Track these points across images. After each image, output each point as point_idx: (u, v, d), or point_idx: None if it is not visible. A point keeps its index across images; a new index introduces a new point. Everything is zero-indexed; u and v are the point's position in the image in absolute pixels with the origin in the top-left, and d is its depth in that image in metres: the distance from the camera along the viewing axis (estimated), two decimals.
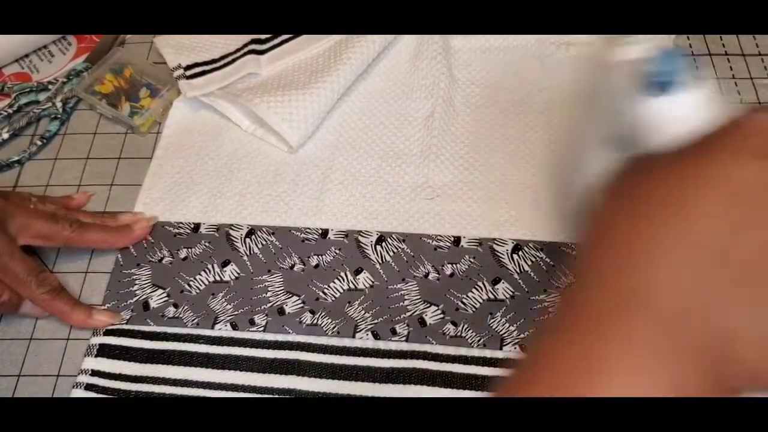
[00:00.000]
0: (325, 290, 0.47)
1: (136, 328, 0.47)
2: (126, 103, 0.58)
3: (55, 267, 0.51)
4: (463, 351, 0.44)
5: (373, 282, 0.48)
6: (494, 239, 0.49)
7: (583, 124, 0.30)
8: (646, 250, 0.21)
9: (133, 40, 0.63)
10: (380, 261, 0.48)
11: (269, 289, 0.48)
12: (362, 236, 0.49)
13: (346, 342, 0.45)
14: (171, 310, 0.47)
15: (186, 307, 0.47)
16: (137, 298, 0.48)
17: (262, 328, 0.46)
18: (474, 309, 0.46)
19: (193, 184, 0.54)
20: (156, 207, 0.53)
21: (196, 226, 0.51)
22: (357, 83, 0.58)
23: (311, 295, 0.47)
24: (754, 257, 0.20)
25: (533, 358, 0.22)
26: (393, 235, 0.49)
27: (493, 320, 0.45)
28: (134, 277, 0.49)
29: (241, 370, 0.45)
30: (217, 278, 0.49)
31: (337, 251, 0.49)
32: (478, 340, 0.45)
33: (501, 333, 0.45)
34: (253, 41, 0.58)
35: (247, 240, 0.50)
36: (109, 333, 0.47)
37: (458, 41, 0.60)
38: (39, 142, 0.57)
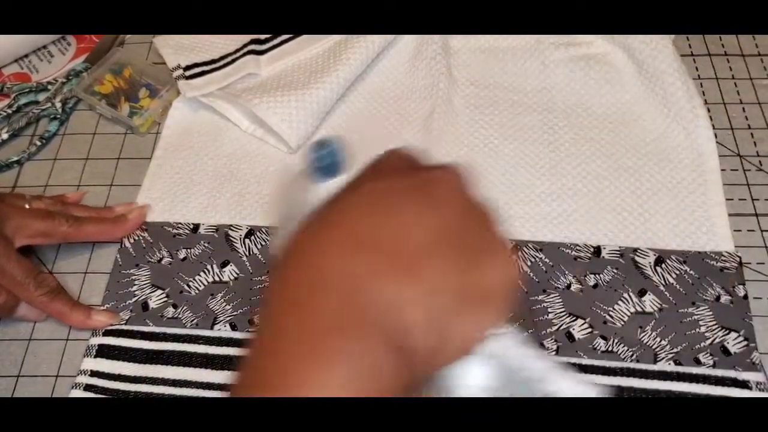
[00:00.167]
0: None
1: (136, 328, 0.47)
2: (125, 103, 0.58)
3: (54, 267, 0.50)
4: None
5: None
6: None
7: (286, 205, 0.37)
8: (315, 250, 0.26)
9: (133, 41, 0.63)
10: None
11: None
12: None
13: None
14: (170, 311, 0.47)
15: (185, 308, 0.47)
16: (136, 298, 0.48)
17: None
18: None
19: (192, 185, 0.54)
20: (155, 207, 0.53)
21: (196, 227, 0.51)
22: (356, 84, 0.58)
23: None
24: (396, 243, 0.25)
25: (249, 366, 0.25)
26: None
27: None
28: (133, 277, 0.49)
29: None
30: (217, 278, 0.49)
31: None
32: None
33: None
34: (252, 41, 0.58)
35: (247, 240, 0.50)
36: (108, 333, 0.47)
37: (457, 41, 0.60)
38: (38, 143, 0.57)
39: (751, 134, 0.53)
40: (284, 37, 0.59)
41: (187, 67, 0.57)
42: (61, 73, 0.62)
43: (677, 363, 0.43)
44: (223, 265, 0.49)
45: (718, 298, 0.45)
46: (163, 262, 0.50)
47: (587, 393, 0.28)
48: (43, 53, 0.64)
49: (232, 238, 0.50)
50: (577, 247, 0.48)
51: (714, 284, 0.46)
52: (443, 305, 0.25)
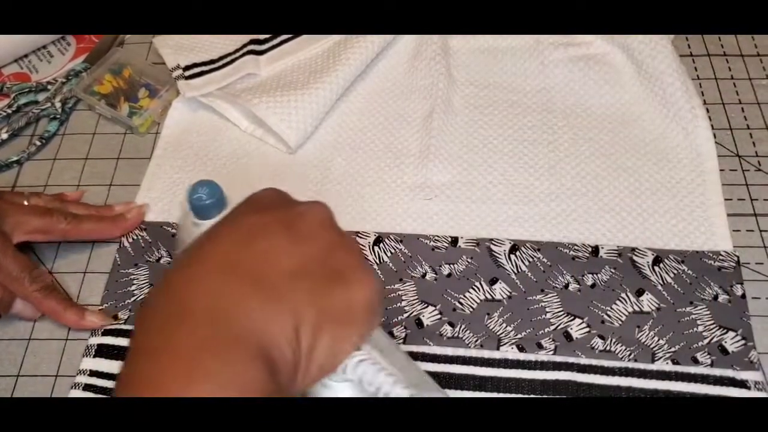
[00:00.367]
0: None
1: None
2: (125, 103, 0.58)
3: (53, 267, 0.51)
4: (460, 351, 0.44)
5: None
6: (492, 239, 0.49)
7: (181, 240, 0.41)
8: (181, 278, 0.28)
9: (132, 41, 0.64)
10: (378, 261, 0.48)
11: None
12: (360, 237, 0.49)
13: None
14: None
15: None
16: (135, 298, 0.48)
17: None
18: (471, 309, 0.46)
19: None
20: (155, 207, 0.53)
21: None
22: (356, 84, 0.58)
23: None
24: (261, 269, 0.28)
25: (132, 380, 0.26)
26: (391, 236, 0.49)
27: (490, 320, 0.45)
28: (132, 277, 0.49)
29: None
30: None
31: None
32: (475, 341, 0.45)
33: (498, 333, 0.45)
34: (252, 42, 0.58)
35: None
36: (107, 333, 0.47)
37: (457, 42, 0.60)
38: (38, 143, 0.57)
39: (750, 134, 0.53)
40: (284, 37, 0.59)
41: (187, 67, 0.57)
42: (61, 73, 0.62)
43: (675, 362, 0.43)
44: None
45: (716, 298, 0.45)
46: (161, 261, 0.50)
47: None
48: (42, 53, 0.64)
49: None
50: (575, 247, 0.48)
51: (712, 283, 0.46)
52: (306, 325, 0.27)
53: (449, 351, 0.44)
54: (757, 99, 0.55)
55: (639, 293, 0.46)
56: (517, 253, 0.48)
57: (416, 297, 0.47)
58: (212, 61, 0.57)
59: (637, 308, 0.45)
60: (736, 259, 0.47)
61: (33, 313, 0.47)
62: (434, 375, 0.43)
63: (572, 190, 0.51)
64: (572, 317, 0.45)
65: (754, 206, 0.50)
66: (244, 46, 0.58)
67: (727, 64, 0.57)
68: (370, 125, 0.56)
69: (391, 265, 0.48)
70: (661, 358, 0.43)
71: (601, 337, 0.44)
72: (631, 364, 0.43)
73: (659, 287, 0.46)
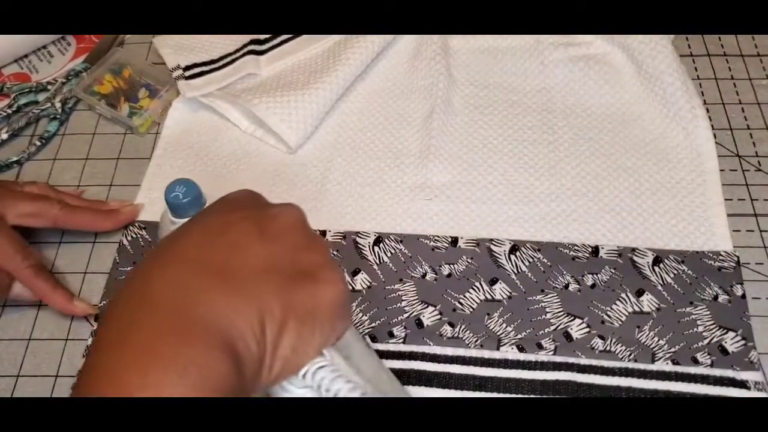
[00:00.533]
0: None
1: None
2: (125, 103, 0.58)
3: (54, 268, 0.51)
4: (460, 351, 0.44)
5: (371, 283, 0.48)
6: (492, 239, 0.49)
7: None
8: (147, 272, 0.28)
9: (132, 41, 0.64)
10: (378, 261, 0.48)
11: None
12: (360, 237, 0.49)
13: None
14: None
15: None
16: None
17: None
18: (471, 309, 0.46)
19: None
20: (155, 207, 0.53)
21: None
22: (356, 84, 0.58)
23: None
24: (228, 265, 0.28)
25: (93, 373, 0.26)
26: (391, 236, 0.49)
27: (490, 320, 0.45)
28: None
29: None
30: None
31: (335, 252, 0.49)
32: (475, 341, 0.45)
33: (498, 333, 0.45)
34: (252, 42, 0.58)
35: None
36: None
37: (457, 41, 0.60)
38: (38, 143, 0.57)
39: (750, 134, 0.53)
40: (284, 37, 0.59)
41: (187, 68, 0.57)
42: (61, 73, 0.62)
43: (675, 362, 0.43)
44: None
45: (716, 298, 0.45)
46: None
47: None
48: (42, 53, 0.64)
49: None
50: (575, 247, 0.48)
51: (712, 284, 0.46)
52: (272, 319, 0.27)
53: (449, 351, 0.44)
54: (757, 99, 0.55)
55: (639, 293, 0.46)
56: (517, 254, 0.48)
57: (416, 297, 0.47)
58: (212, 61, 0.57)
59: (637, 308, 0.45)
60: (736, 259, 0.47)
61: (31, 295, 0.47)
62: (434, 375, 0.43)
63: (572, 190, 0.51)
64: (572, 317, 0.45)
65: (754, 206, 0.50)
66: (245, 46, 0.58)
67: (728, 64, 0.57)
68: (370, 125, 0.56)
69: (391, 265, 0.48)
70: (661, 358, 0.43)
71: (601, 338, 0.44)
72: (631, 365, 0.43)
73: (659, 287, 0.46)
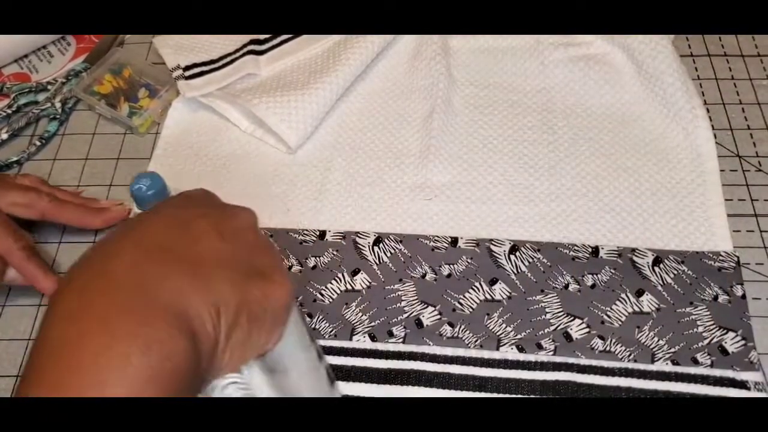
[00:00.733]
0: (323, 292, 0.47)
1: None
2: (125, 103, 0.58)
3: (54, 267, 0.51)
4: (460, 351, 0.44)
5: (370, 283, 0.48)
6: (492, 240, 0.49)
7: None
8: (103, 257, 0.28)
9: (132, 41, 0.64)
10: (377, 261, 0.48)
11: None
12: (360, 237, 0.49)
13: (344, 344, 0.45)
14: None
15: None
16: None
17: None
18: (471, 309, 0.46)
19: (191, 185, 0.53)
20: None
21: None
22: (356, 84, 0.58)
23: (309, 297, 0.47)
24: (185, 252, 0.28)
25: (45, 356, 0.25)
26: (390, 236, 0.49)
27: (490, 320, 0.45)
28: None
29: None
30: None
31: (335, 252, 0.49)
32: (475, 341, 0.45)
33: (498, 333, 0.45)
34: (252, 42, 0.58)
35: None
36: None
37: (457, 42, 0.60)
38: (38, 143, 0.57)
39: (751, 135, 0.53)
40: (284, 37, 0.59)
41: (187, 68, 0.57)
42: (61, 73, 0.62)
43: (675, 363, 0.43)
44: None
45: (716, 298, 0.45)
46: None
47: None
48: (42, 53, 0.64)
49: None
50: (575, 248, 0.48)
51: (712, 284, 0.46)
52: (227, 308, 0.28)
53: (449, 351, 0.44)
54: (757, 99, 0.55)
55: (639, 294, 0.46)
56: (517, 254, 0.48)
57: (416, 297, 0.47)
58: (212, 61, 0.57)
59: (637, 309, 0.45)
60: (736, 259, 0.47)
61: (24, 280, 0.47)
62: (434, 375, 0.43)
63: (572, 190, 0.51)
64: (572, 318, 0.45)
65: (754, 207, 0.50)
66: (244, 46, 0.58)
67: (728, 65, 0.57)
68: (370, 125, 0.56)
69: (390, 265, 0.48)
70: (661, 358, 0.43)
71: (601, 338, 0.44)
72: (630, 365, 0.43)
73: (659, 288, 0.46)
